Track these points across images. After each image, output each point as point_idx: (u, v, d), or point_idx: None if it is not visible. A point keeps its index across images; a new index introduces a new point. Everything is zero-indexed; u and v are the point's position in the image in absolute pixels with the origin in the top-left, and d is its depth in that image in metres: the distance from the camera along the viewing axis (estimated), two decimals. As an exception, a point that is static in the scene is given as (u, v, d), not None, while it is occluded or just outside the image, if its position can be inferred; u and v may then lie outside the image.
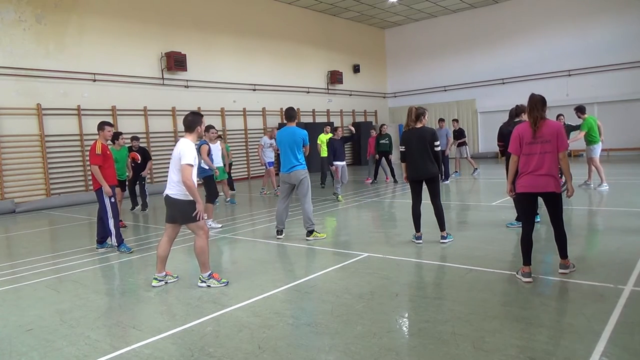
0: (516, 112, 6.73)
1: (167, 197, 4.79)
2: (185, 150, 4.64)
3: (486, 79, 21.98)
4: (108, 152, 6.76)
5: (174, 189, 4.73)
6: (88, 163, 13.33)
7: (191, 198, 4.73)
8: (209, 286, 4.80)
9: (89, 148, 13.43)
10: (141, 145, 11.25)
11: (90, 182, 13.46)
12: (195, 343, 3.48)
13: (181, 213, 4.77)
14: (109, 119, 14.12)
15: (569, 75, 19.91)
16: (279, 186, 12.20)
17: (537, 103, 4.39)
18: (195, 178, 4.74)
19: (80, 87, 13.52)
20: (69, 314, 4.23)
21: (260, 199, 12.22)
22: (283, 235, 6.98)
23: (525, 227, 4.53)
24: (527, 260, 4.47)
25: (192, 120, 4.86)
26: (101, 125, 6.75)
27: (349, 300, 4.21)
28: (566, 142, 4.47)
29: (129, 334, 3.72)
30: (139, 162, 10.27)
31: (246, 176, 18.01)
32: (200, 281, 4.87)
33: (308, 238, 6.76)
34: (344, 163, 11.26)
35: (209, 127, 9.41)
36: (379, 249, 6.04)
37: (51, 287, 5.18)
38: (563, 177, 4.98)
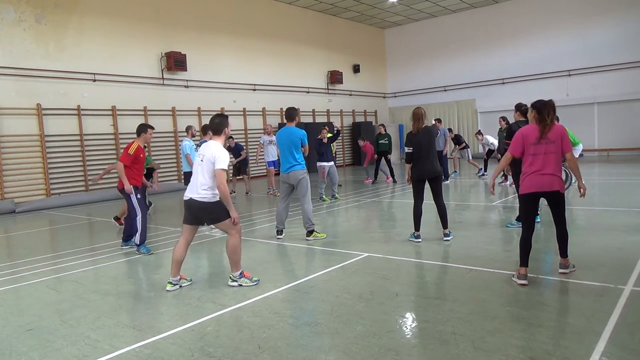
0: (525, 110, 6.81)
1: (193, 201, 4.66)
2: (220, 154, 4.59)
3: (486, 79, 21.98)
4: (141, 156, 6.59)
5: (202, 192, 4.61)
6: (91, 162, 13.54)
7: (217, 199, 4.64)
8: (240, 285, 4.72)
9: (88, 148, 13.58)
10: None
11: (90, 182, 13.54)
12: (195, 343, 3.48)
13: (209, 215, 4.70)
14: (109, 119, 14.14)
15: (569, 75, 19.91)
16: (270, 188, 12.41)
17: (552, 109, 4.39)
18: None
19: (80, 87, 13.52)
20: (69, 314, 4.23)
21: (261, 199, 12.23)
22: (283, 235, 6.98)
23: (526, 229, 4.52)
24: (524, 261, 4.44)
25: (219, 123, 4.82)
26: (144, 128, 6.58)
27: (349, 300, 4.21)
28: (570, 143, 4.48)
29: (129, 334, 3.72)
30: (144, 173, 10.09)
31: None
32: (231, 280, 4.79)
33: (308, 238, 6.76)
34: (331, 164, 11.05)
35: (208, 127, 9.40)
36: (379, 249, 6.04)
37: (51, 287, 5.18)
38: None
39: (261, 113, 18.68)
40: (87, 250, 6.94)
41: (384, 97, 25.56)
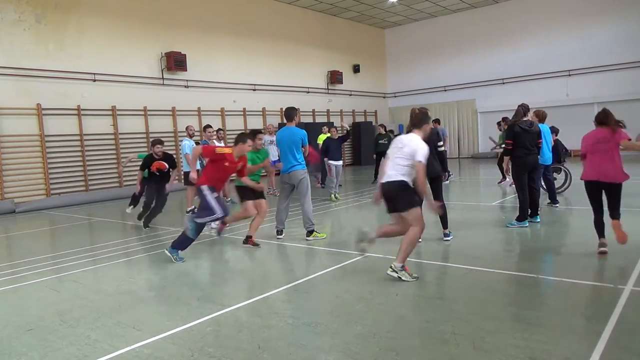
0: (524, 111, 6.92)
1: (390, 183, 4.66)
2: (420, 146, 4.63)
3: (486, 79, 21.98)
4: (226, 164, 5.97)
5: (394, 175, 4.65)
6: (91, 162, 13.51)
7: (407, 180, 4.63)
8: (399, 278, 4.61)
9: (88, 148, 13.57)
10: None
11: (90, 182, 13.54)
12: (195, 343, 3.48)
13: (399, 198, 4.65)
14: (109, 119, 14.13)
15: (569, 75, 19.91)
16: (270, 188, 12.43)
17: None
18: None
19: (80, 87, 13.52)
20: (69, 314, 4.23)
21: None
22: (283, 235, 6.97)
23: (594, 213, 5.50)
24: (601, 235, 5.43)
25: (419, 118, 4.93)
26: (243, 138, 6.09)
27: (349, 300, 4.21)
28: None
29: (129, 334, 3.71)
30: (165, 170, 8.15)
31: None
32: (391, 270, 4.67)
33: (308, 238, 6.76)
34: (339, 163, 11.06)
35: (206, 127, 9.41)
36: (379, 249, 6.03)
37: (51, 287, 5.18)
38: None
39: (261, 113, 18.68)
40: (87, 250, 6.94)
41: (384, 97, 25.56)
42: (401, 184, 4.63)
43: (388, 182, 4.68)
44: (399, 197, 4.66)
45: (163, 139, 8.75)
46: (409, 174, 4.65)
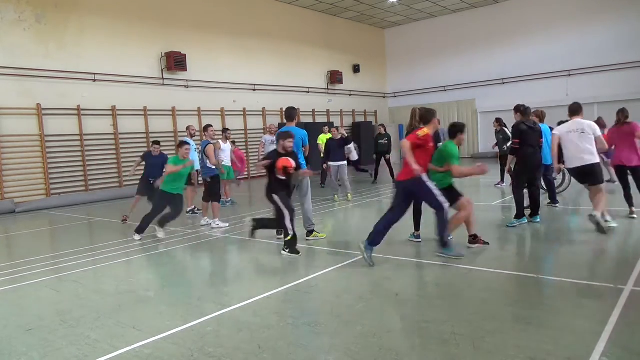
0: (526, 112, 7.01)
1: (588, 166, 6.12)
2: (595, 124, 6.26)
3: (486, 79, 21.98)
4: (430, 145, 5.38)
5: (593, 157, 6.12)
6: (91, 162, 13.51)
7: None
8: (606, 221, 6.14)
9: (88, 148, 13.57)
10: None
11: (90, 182, 13.53)
12: (195, 343, 3.48)
13: (596, 174, 6.12)
14: (109, 119, 14.13)
15: (569, 75, 19.91)
16: None
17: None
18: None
19: (80, 87, 13.52)
20: (69, 314, 4.23)
21: (261, 198, 12.22)
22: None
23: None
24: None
25: (578, 105, 6.39)
26: (434, 113, 5.48)
27: (349, 300, 4.21)
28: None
29: (129, 334, 3.72)
30: (292, 172, 6.20)
31: (246, 176, 18.00)
32: (591, 218, 5.89)
33: (308, 238, 6.76)
34: (340, 163, 11.07)
35: (207, 127, 9.40)
36: (379, 249, 6.02)
37: (51, 287, 5.18)
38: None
39: (261, 113, 18.68)
40: (87, 250, 6.94)
41: (384, 97, 25.56)
42: (599, 165, 6.17)
43: (591, 164, 6.12)
44: (598, 174, 6.17)
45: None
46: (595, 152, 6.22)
